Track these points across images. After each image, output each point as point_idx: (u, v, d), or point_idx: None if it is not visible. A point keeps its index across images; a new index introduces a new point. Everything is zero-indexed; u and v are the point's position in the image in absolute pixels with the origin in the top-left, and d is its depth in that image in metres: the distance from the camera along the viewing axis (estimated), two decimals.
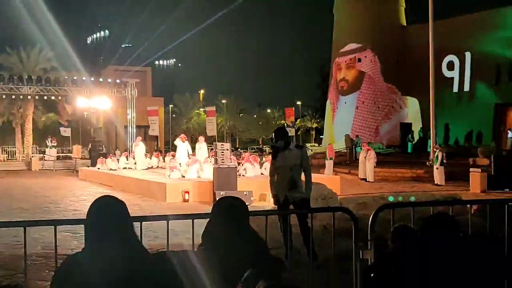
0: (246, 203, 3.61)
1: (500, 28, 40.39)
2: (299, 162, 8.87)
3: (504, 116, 41.41)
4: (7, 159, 43.95)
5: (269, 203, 17.52)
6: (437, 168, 24.03)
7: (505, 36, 39.83)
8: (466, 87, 43.09)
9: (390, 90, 46.98)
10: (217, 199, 3.42)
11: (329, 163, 29.00)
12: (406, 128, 41.94)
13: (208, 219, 3.27)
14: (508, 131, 38.26)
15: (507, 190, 19.94)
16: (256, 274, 1.93)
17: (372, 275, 4.10)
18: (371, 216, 4.97)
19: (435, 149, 25.01)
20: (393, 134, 44.45)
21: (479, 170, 22.36)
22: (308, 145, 65.29)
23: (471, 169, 23.13)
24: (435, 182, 23.64)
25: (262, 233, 4.86)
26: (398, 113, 46.63)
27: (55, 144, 44.77)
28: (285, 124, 52.62)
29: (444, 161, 24.36)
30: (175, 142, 25.56)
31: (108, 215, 3.04)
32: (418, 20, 45.10)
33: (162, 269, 3.05)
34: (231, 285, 2.80)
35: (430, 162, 25.17)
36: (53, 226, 4.61)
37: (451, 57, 43.39)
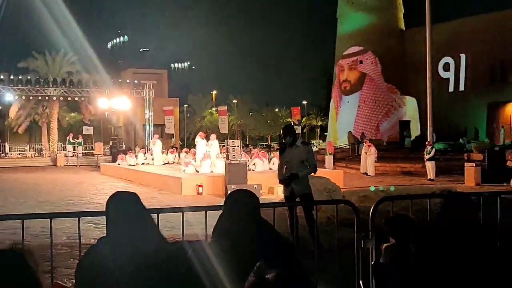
0: None
1: (494, 31, 40.16)
2: (305, 157, 8.97)
3: (497, 113, 41.28)
4: (34, 156, 44.18)
5: (277, 196, 17.53)
6: (426, 161, 23.67)
7: (498, 38, 39.61)
8: (461, 87, 42.95)
9: (390, 90, 46.86)
10: (229, 192, 3.41)
11: (328, 158, 29.21)
12: (405, 125, 41.82)
13: (221, 211, 3.27)
14: (501, 128, 38.06)
15: (506, 184, 19.73)
16: (268, 263, 1.93)
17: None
18: (372, 208, 4.97)
19: (427, 145, 24.76)
20: (393, 131, 44.36)
21: (474, 164, 22.26)
22: (313, 141, 65.21)
23: (466, 164, 23.03)
24: (428, 177, 23.30)
25: (271, 222, 4.88)
26: (397, 111, 46.48)
27: (81, 141, 44.89)
28: (292, 122, 52.54)
29: (436, 156, 24.20)
30: (196, 139, 25.67)
31: (123, 207, 3.08)
32: (416, 25, 44.90)
33: (178, 258, 3.05)
34: (243, 275, 2.80)
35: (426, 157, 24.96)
36: (77, 218, 4.63)
37: (447, 59, 43.25)
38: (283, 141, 9.37)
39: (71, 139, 43.96)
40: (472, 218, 3.64)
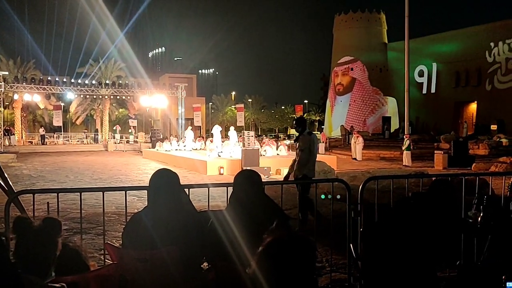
0: (265, 176, 3.59)
1: (459, 44, 39.74)
2: (307, 145, 8.54)
3: (461, 111, 40.92)
4: (89, 143, 44.46)
5: (283, 176, 17.48)
6: (403, 151, 23.31)
7: (462, 50, 39.19)
8: (433, 90, 42.55)
9: (375, 92, 46.51)
10: (238, 172, 3.40)
11: (321, 145, 28.97)
12: (386, 120, 41.52)
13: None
14: (464, 123, 37.68)
15: (468, 168, 19.48)
16: (277, 225, 1.92)
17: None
18: (360, 185, 4.92)
19: (404, 137, 24.35)
20: (377, 125, 44.09)
21: (442, 152, 22.06)
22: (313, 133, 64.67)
23: (435, 151, 22.81)
24: (403, 164, 22.78)
25: (279, 197, 4.85)
26: (380, 109, 46.15)
27: (133, 132, 45.16)
28: (295, 117, 52.33)
29: (411, 147, 23.84)
30: (213, 130, 25.70)
31: (164, 181, 3.06)
32: (396, 39, 44.59)
33: (204, 223, 3.05)
34: (251, 234, 2.79)
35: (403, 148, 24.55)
36: (124, 191, 4.64)
37: (421, 67, 42.83)
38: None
39: (117, 131, 44.27)
40: (451, 197, 3.64)
